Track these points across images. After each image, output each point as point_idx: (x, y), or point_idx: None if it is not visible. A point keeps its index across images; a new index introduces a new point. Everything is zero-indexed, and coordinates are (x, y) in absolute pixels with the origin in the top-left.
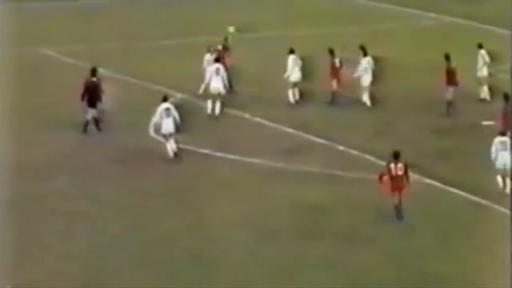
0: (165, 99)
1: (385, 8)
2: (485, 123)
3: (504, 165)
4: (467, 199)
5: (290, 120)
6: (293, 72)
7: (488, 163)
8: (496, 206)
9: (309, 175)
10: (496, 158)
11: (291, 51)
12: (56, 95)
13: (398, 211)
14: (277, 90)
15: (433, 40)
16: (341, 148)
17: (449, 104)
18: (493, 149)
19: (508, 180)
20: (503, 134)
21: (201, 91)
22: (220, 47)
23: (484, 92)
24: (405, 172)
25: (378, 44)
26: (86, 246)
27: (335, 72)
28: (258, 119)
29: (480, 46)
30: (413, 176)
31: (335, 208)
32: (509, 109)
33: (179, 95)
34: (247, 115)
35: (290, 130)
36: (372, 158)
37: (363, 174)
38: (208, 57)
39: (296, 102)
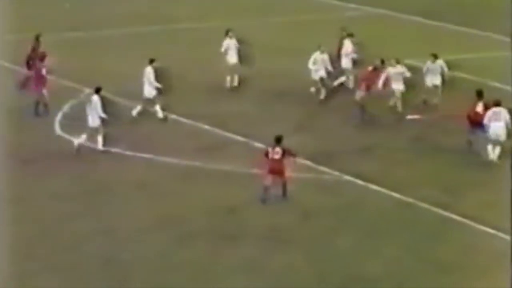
0: (97, 91)
1: None
2: (410, 117)
3: (497, 135)
4: (390, 196)
5: (207, 117)
6: None
7: (412, 159)
8: (421, 204)
9: (228, 175)
10: (488, 127)
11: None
12: None
13: (284, 194)
14: (193, 85)
15: (355, 32)
16: (260, 145)
17: (356, 104)
18: (486, 119)
19: (497, 149)
20: (497, 104)
21: None
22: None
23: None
24: (283, 157)
25: (301, 35)
26: None
27: None
28: (173, 116)
29: (436, 57)
30: (323, 170)
31: (255, 209)
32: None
33: (87, 91)
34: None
35: (207, 127)
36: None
37: None
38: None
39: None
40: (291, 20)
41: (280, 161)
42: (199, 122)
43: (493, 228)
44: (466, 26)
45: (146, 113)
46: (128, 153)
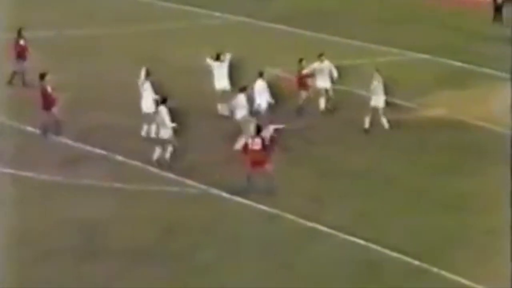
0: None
1: (168, 7)
2: (274, 126)
3: None
4: (256, 209)
5: (67, 130)
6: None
7: (277, 169)
8: (288, 215)
9: (89, 189)
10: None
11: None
12: None
13: (266, 186)
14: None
15: (219, 40)
16: (121, 158)
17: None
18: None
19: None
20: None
21: None
22: None
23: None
24: (264, 148)
25: (162, 44)
26: None
27: None
28: (29, 128)
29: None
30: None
31: (117, 224)
32: None
33: None
34: (15, 124)
35: (66, 140)
36: (154, 170)
37: (145, 186)
38: None
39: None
40: (157, 29)
41: (260, 151)
42: (59, 136)
43: (362, 239)
44: (327, 33)
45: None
46: None
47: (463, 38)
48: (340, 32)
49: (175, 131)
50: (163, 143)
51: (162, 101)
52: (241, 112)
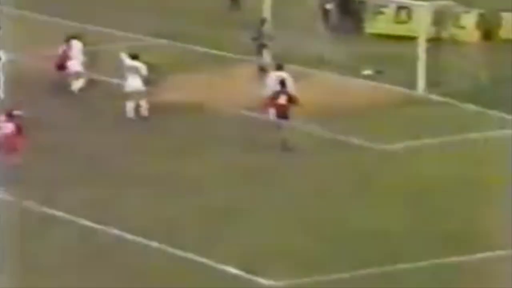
0: None
1: None
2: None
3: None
4: None
5: None
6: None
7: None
8: (24, 201)
9: None
10: None
11: None
12: None
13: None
14: None
15: None
16: None
17: None
18: None
19: None
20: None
21: None
22: None
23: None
24: (15, 134)
25: None
26: None
27: None
28: None
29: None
30: None
31: None
32: None
33: None
34: None
35: None
36: None
37: None
38: None
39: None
40: None
41: (12, 137)
42: None
43: (100, 223)
44: (69, 19)
45: None
46: None
47: (201, 23)
48: (80, 18)
49: None
50: None
51: None
52: None
